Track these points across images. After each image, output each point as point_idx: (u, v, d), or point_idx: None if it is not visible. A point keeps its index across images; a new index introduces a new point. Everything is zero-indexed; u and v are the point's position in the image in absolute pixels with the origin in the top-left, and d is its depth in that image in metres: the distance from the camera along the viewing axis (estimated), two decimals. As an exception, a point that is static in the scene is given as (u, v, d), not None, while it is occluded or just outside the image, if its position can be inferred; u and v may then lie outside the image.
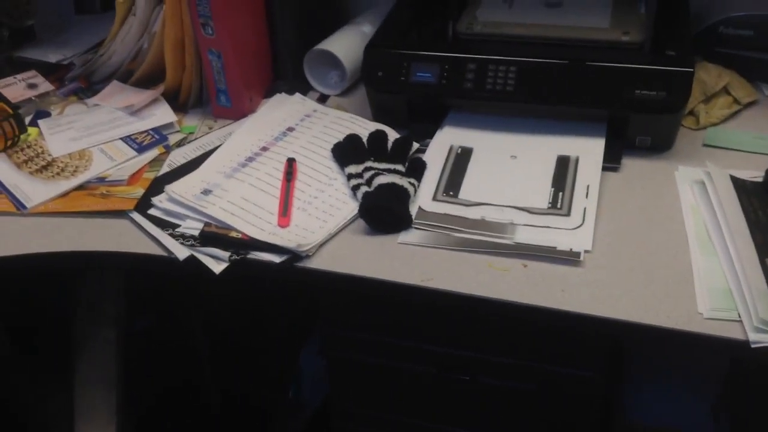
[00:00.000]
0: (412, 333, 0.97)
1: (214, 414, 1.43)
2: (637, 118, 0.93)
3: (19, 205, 0.93)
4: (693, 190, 0.88)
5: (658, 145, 0.96)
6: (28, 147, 1.03)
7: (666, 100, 0.90)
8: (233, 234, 0.86)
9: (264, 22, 1.10)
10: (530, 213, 0.86)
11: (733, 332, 0.69)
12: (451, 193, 0.90)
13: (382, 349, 1.00)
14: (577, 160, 0.92)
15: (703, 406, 1.33)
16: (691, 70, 0.90)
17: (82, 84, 1.19)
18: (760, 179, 0.88)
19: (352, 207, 0.88)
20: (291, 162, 0.95)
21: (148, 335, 1.32)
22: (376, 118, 1.05)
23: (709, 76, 1.04)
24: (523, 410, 0.99)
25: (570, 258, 0.80)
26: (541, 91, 0.95)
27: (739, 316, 0.70)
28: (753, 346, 0.68)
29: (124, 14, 1.06)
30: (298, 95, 1.11)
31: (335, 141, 0.99)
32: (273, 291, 1.34)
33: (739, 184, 0.87)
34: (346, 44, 1.14)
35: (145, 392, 1.35)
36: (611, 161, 0.93)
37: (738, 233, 0.78)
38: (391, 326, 0.97)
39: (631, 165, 0.94)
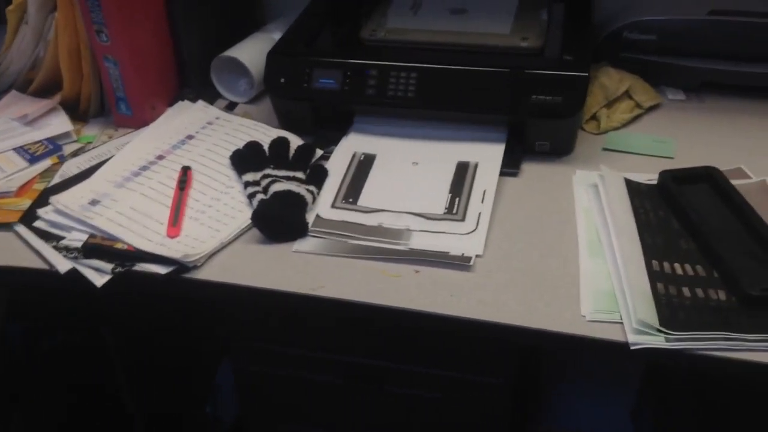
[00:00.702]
0: (317, 343, 0.96)
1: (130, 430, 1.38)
2: (535, 123, 0.94)
3: None
4: (588, 193, 0.88)
5: (558, 149, 0.96)
6: None
7: (562, 104, 0.91)
8: (119, 245, 0.83)
9: (166, 29, 1.07)
10: (426, 219, 0.85)
11: (613, 334, 0.69)
12: (351, 200, 0.89)
13: (288, 361, 0.98)
14: (476, 166, 0.92)
15: (622, 412, 1.34)
16: (586, 74, 0.91)
17: (-20, 94, 1.15)
18: (655, 181, 0.89)
19: (247, 216, 0.86)
20: (186, 170, 0.93)
21: (57, 353, 1.27)
22: (282, 126, 1.04)
23: (610, 80, 1.05)
24: (432, 418, 0.98)
25: (461, 263, 0.79)
26: (440, 97, 0.94)
27: (621, 318, 0.70)
28: (632, 347, 0.67)
29: (15, 23, 1.02)
30: (200, 102, 1.09)
31: (236, 148, 0.96)
32: (190, 305, 1.31)
33: (633, 186, 0.88)
34: (255, 51, 1.12)
35: (56, 407, 1.30)
36: (510, 167, 0.93)
37: (625, 234, 0.79)
38: (297, 337, 0.96)
39: (531, 170, 0.94)
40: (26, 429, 1.20)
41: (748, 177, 0.90)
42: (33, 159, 0.99)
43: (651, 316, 0.68)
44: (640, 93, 1.05)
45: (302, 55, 0.99)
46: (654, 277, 0.74)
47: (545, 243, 0.82)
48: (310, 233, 0.85)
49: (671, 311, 0.70)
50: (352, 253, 0.82)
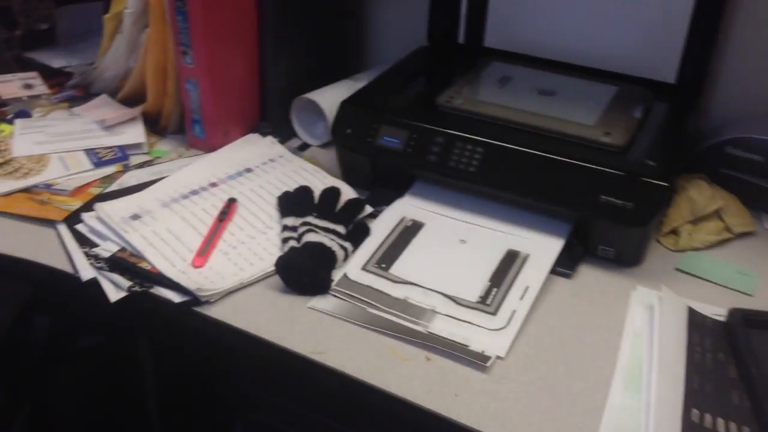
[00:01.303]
0: (323, 408, 0.90)
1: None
2: (600, 225, 0.86)
3: (-42, 196, 0.93)
4: (643, 314, 0.79)
5: (623, 259, 0.87)
6: (-6, 142, 1.03)
7: (633, 211, 0.82)
8: (143, 264, 0.82)
9: (255, 60, 1.08)
10: (455, 303, 0.79)
11: (622, 484, 0.60)
12: (383, 265, 0.84)
13: (291, 418, 0.93)
14: (525, 258, 0.85)
15: None
16: (666, 184, 0.82)
17: (79, 93, 1.20)
18: (723, 318, 0.79)
19: (275, 260, 0.83)
20: (231, 202, 0.92)
21: (91, 354, 1.29)
22: (343, 177, 1.01)
23: (701, 195, 0.95)
24: None
25: (478, 361, 0.72)
26: (503, 177, 0.89)
27: (636, 468, 0.61)
28: (639, 506, 0.58)
29: (111, 31, 1.06)
30: (270, 138, 1.08)
31: (286, 190, 0.95)
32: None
33: (696, 318, 0.78)
34: (337, 98, 1.11)
35: (74, 406, 1.31)
36: (565, 266, 0.86)
37: (669, 372, 0.69)
38: (303, 395, 0.91)
39: (587, 275, 0.86)
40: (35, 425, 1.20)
41: (837, 335, 0.77)
42: (99, 163, 1.01)
43: (670, 476, 0.59)
44: (732, 215, 0.95)
45: (372, 110, 0.96)
46: (689, 428, 0.64)
47: (577, 361, 0.73)
48: (331, 292, 0.80)
49: (697, 473, 0.60)
50: (368, 323, 0.77)
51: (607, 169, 0.84)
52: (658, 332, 0.74)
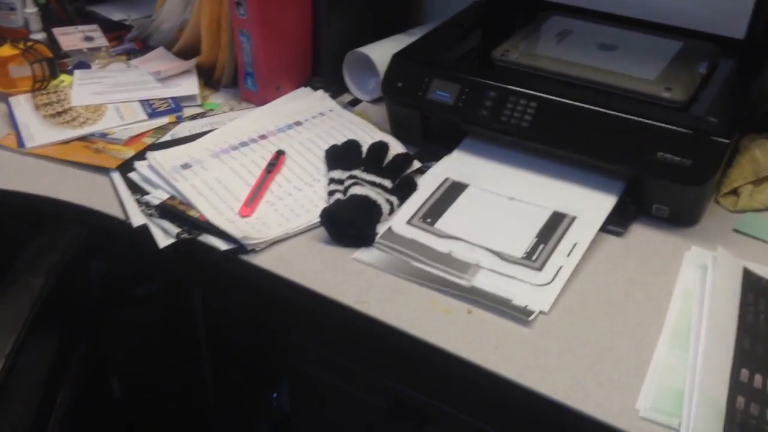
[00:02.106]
0: (369, 361, 0.91)
1: (198, 394, 1.42)
2: (656, 183, 0.83)
3: (20, 143, 0.96)
4: (696, 274, 0.76)
5: (678, 218, 0.84)
6: (54, 92, 1.06)
7: (691, 169, 0.79)
8: (192, 212, 0.83)
9: (309, 14, 1.08)
10: (500, 258, 0.78)
11: (663, 441, 0.58)
12: (429, 220, 0.83)
13: (337, 370, 0.94)
14: (575, 215, 0.83)
15: None
16: (726, 141, 0.79)
17: (137, 46, 1.22)
18: (782, 281, 0.75)
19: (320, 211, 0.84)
20: (279, 154, 0.92)
21: (148, 301, 1.33)
22: (393, 132, 1.00)
23: (765, 155, 0.90)
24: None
25: (520, 315, 0.71)
26: (556, 133, 0.86)
27: (679, 426, 0.59)
28: (680, 463, 0.56)
29: (168, -18, 1.07)
30: (321, 92, 1.08)
31: (334, 143, 0.94)
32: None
33: (751, 279, 0.75)
34: (389, 52, 1.09)
35: (136, 355, 1.36)
36: (616, 224, 0.83)
37: (719, 331, 0.67)
38: (350, 348, 0.92)
39: (640, 233, 0.83)
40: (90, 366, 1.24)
41: None
42: (153, 114, 1.03)
43: (714, 428, 0.57)
44: (799, 176, 0.90)
45: (424, 63, 0.95)
46: (737, 388, 0.62)
47: (623, 318, 0.71)
48: (375, 245, 0.80)
49: (744, 429, 0.58)
50: (412, 276, 0.76)
51: (666, 125, 0.80)
52: (710, 291, 0.71)
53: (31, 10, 1.20)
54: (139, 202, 0.86)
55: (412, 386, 0.88)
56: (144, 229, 0.83)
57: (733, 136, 0.81)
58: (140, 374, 1.41)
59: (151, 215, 0.84)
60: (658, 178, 0.81)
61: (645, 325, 0.70)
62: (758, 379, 0.63)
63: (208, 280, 1.32)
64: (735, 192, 0.90)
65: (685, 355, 0.66)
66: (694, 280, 0.75)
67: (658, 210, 0.85)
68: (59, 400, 0.95)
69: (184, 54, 1.15)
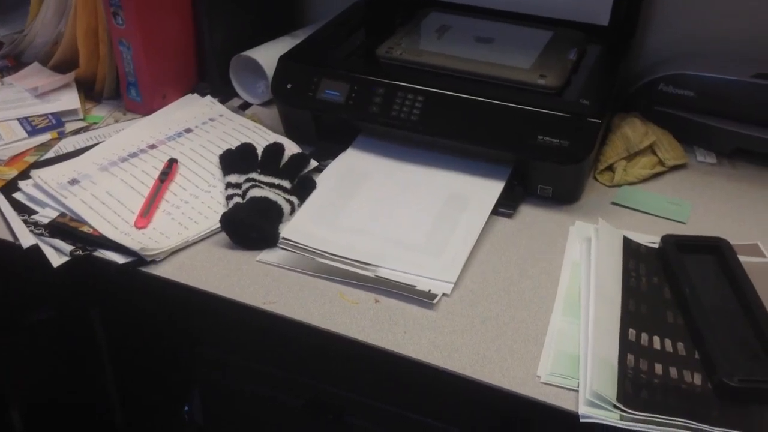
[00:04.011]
0: (281, 362, 0.91)
1: (105, 419, 1.37)
2: (538, 165, 0.88)
3: None
4: (581, 246, 0.82)
5: (561, 196, 0.90)
6: None
7: (568, 149, 0.85)
8: (85, 228, 0.81)
9: (190, 20, 1.07)
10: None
11: (565, 402, 0.63)
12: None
13: (250, 376, 0.94)
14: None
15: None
16: (598, 121, 0.85)
17: (10, 63, 1.17)
18: (657, 245, 0.82)
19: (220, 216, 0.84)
20: (171, 162, 0.91)
21: (45, 327, 1.28)
22: (286, 133, 1.01)
23: (635, 132, 0.98)
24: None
25: (425, 299, 0.74)
26: (444, 124, 0.90)
27: (578, 386, 0.64)
28: (581, 419, 0.61)
29: (39, -6, 1.03)
30: (208, 98, 1.07)
31: (228, 148, 0.94)
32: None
33: (631, 246, 0.81)
34: (275, 54, 1.10)
35: (36, 384, 1.30)
36: (506, 207, 0.88)
37: (605, 296, 0.72)
38: (261, 352, 0.92)
39: (528, 213, 0.88)
40: None
41: (763, 256, 0.82)
42: (33, 131, 0.99)
43: (609, 389, 0.62)
44: (665, 150, 0.98)
45: (312, 64, 0.96)
46: (626, 347, 0.67)
47: (519, 293, 0.76)
48: (279, 245, 0.81)
49: (634, 388, 0.63)
50: (317, 272, 0.78)
51: (543, 110, 0.86)
52: (595, 260, 0.77)
53: None
54: (26, 222, 0.83)
55: (327, 381, 0.89)
56: (35, 249, 0.80)
57: (605, 117, 0.88)
58: (42, 405, 1.34)
59: (41, 234, 0.81)
60: (540, 160, 0.86)
61: (539, 297, 0.75)
62: (644, 337, 0.69)
63: (106, 300, 1.28)
64: (611, 168, 0.97)
65: (577, 321, 0.71)
66: (580, 252, 0.81)
67: (542, 190, 0.90)
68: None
69: (61, 68, 1.11)
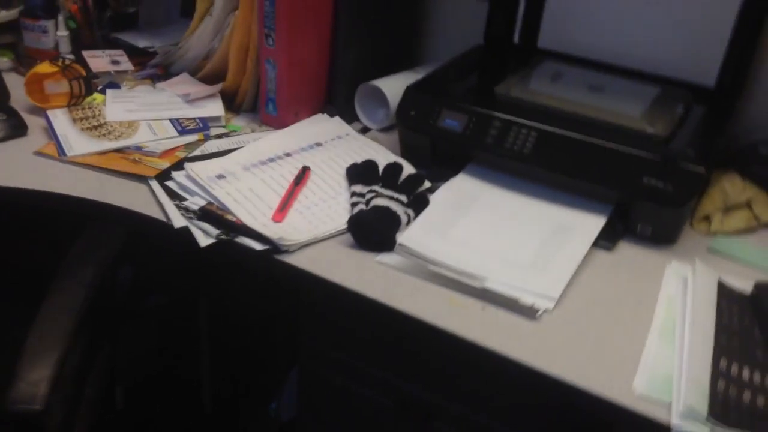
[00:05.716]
0: (379, 360, 0.99)
1: (195, 405, 1.47)
2: (641, 205, 0.94)
3: (61, 151, 1.04)
4: (677, 283, 0.87)
5: (660, 237, 0.96)
6: (89, 108, 1.14)
7: (671, 193, 0.91)
8: (229, 217, 0.92)
9: (327, 46, 1.18)
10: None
11: (658, 413, 0.68)
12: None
13: (348, 371, 1.02)
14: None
15: None
16: (702, 168, 0.91)
17: (160, 72, 1.32)
18: (749, 290, 0.87)
19: (345, 220, 0.93)
20: (305, 169, 1.02)
21: (155, 312, 1.39)
22: (403, 155, 1.10)
23: (733, 188, 1.03)
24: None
25: (527, 313, 0.81)
26: (554, 159, 0.98)
27: (670, 401, 0.69)
28: (673, 430, 0.66)
29: (202, 13, 1.17)
30: (337, 118, 1.18)
31: (353, 162, 1.04)
32: (283, 295, 1.37)
33: (725, 289, 0.86)
34: (399, 86, 1.21)
35: (138, 362, 1.41)
36: (607, 240, 0.94)
37: (700, 328, 0.77)
38: (363, 350, 1.00)
39: (626, 249, 0.95)
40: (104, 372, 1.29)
41: None
42: (183, 131, 1.12)
43: (701, 405, 0.67)
44: (761, 206, 1.03)
45: (435, 95, 1.06)
46: (718, 374, 0.72)
47: (617, 317, 0.82)
48: (396, 250, 0.90)
49: (725, 407, 0.68)
50: (429, 278, 0.86)
51: (651, 155, 0.92)
52: (691, 296, 0.82)
53: (63, 33, 1.28)
54: (178, 206, 0.94)
55: (420, 384, 0.96)
56: (185, 231, 0.91)
57: (708, 167, 0.93)
58: (141, 385, 1.46)
59: (190, 218, 0.92)
60: (644, 200, 0.93)
61: (635, 323, 0.81)
62: (735, 367, 0.74)
63: (215, 291, 1.39)
64: (707, 219, 1.02)
65: (672, 347, 0.77)
66: (676, 288, 0.86)
67: (642, 229, 0.96)
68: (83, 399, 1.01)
69: (209, 79, 1.24)
